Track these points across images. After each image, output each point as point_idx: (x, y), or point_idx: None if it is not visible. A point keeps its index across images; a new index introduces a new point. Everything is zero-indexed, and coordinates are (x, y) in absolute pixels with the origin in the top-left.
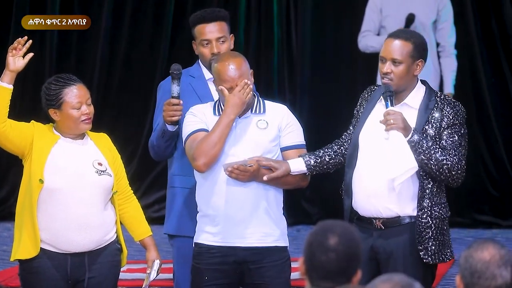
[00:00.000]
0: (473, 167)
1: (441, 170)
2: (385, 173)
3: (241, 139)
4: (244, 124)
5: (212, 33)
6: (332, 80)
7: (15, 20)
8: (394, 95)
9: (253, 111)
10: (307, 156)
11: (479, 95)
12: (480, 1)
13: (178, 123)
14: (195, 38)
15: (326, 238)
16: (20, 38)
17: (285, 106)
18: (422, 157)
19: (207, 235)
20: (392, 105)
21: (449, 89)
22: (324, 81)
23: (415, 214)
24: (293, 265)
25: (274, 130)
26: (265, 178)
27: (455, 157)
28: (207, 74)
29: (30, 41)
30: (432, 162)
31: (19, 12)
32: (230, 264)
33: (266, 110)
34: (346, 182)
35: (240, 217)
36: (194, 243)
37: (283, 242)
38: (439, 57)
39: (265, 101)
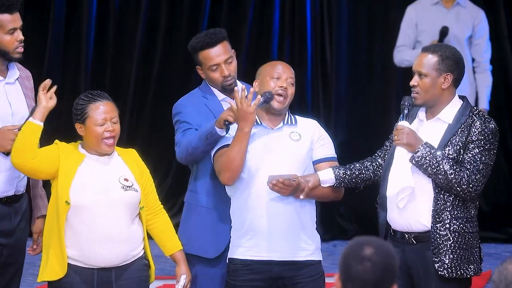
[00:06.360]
0: (509, 183)
1: (450, 184)
2: (388, 189)
3: (275, 150)
4: (278, 135)
5: (220, 57)
6: (367, 95)
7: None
8: (412, 108)
9: (285, 122)
10: (337, 167)
11: None
12: None
13: (228, 129)
14: (201, 64)
15: (362, 249)
16: (47, 81)
17: (315, 121)
18: (429, 170)
19: (242, 249)
20: (406, 118)
21: (484, 105)
22: (359, 96)
23: (436, 226)
24: (328, 280)
25: (307, 142)
26: (301, 196)
27: (467, 171)
28: (220, 95)
29: (55, 87)
30: (440, 177)
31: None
32: (266, 281)
33: (297, 122)
34: (381, 195)
35: (275, 231)
36: (229, 258)
37: (318, 256)
38: (474, 72)
39: (295, 115)
